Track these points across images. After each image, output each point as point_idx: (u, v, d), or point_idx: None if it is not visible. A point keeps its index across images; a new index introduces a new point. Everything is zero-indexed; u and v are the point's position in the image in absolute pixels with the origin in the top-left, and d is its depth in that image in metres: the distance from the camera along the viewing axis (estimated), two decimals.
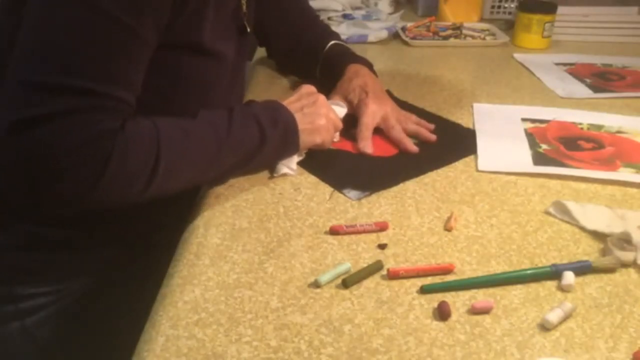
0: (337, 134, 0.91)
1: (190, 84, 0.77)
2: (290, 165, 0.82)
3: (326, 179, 0.82)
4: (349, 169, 0.86)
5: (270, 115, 0.79)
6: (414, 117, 0.97)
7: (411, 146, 0.90)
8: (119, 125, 0.65)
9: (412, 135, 0.93)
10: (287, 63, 1.18)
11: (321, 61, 1.07)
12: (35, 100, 0.62)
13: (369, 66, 1.04)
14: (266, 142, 0.77)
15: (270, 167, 0.82)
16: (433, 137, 0.93)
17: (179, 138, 0.70)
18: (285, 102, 0.83)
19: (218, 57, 0.79)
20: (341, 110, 0.91)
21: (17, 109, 0.62)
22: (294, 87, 0.89)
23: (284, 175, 0.82)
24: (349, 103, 0.94)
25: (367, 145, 0.90)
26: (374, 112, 0.92)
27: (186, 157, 0.71)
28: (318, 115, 0.84)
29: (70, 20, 0.63)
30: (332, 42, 1.08)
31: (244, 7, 0.87)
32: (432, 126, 0.96)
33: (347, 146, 0.91)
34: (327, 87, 0.98)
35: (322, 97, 0.87)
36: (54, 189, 0.64)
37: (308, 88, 0.88)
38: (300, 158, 0.85)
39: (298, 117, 0.82)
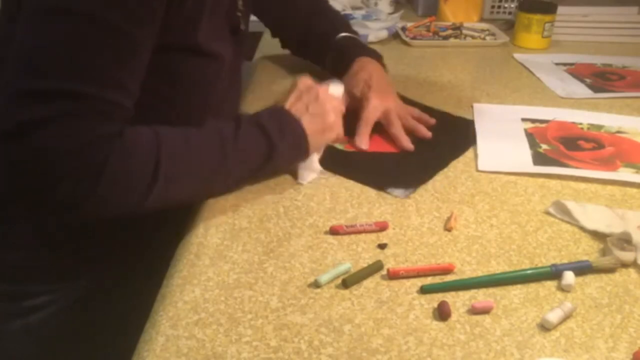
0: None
1: (189, 86, 0.77)
2: (312, 167, 0.81)
3: (365, 180, 0.81)
4: (379, 167, 0.86)
5: (277, 124, 0.77)
6: (415, 112, 0.97)
7: (407, 144, 0.90)
8: (117, 130, 0.64)
9: (410, 130, 0.93)
10: (299, 53, 1.18)
11: (330, 53, 1.07)
12: (28, 107, 0.61)
13: (378, 58, 1.04)
14: (274, 150, 0.76)
15: (287, 171, 0.81)
16: (429, 133, 0.93)
17: (180, 144, 0.69)
18: (287, 105, 0.81)
19: (215, 58, 0.79)
20: (339, 89, 0.89)
21: (9, 116, 0.61)
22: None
23: (310, 180, 0.81)
24: (353, 97, 0.94)
25: (363, 141, 0.90)
26: (375, 107, 0.92)
27: (188, 164, 0.70)
28: (326, 112, 0.81)
29: (65, 28, 0.62)
30: (341, 34, 1.08)
31: (240, 4, 0.85)
32: (433, 120, 0.96)
33: (376, 146, 0.91)
34: (339, 78, 0.98)
35: (321, 90, 0.84)
36: (50, 196, 0.62)
37: (304, 82, 0.84)
38: (319, 155, 0.83)
39: (306, 119, 0.79)
